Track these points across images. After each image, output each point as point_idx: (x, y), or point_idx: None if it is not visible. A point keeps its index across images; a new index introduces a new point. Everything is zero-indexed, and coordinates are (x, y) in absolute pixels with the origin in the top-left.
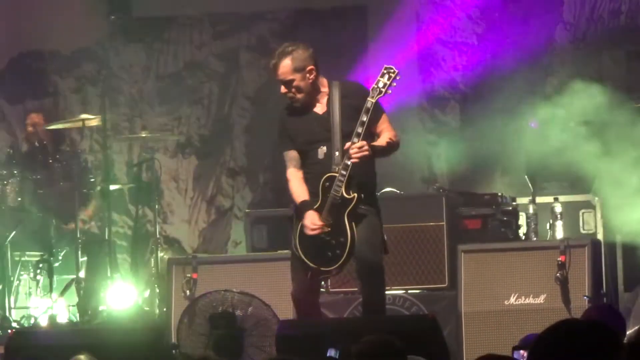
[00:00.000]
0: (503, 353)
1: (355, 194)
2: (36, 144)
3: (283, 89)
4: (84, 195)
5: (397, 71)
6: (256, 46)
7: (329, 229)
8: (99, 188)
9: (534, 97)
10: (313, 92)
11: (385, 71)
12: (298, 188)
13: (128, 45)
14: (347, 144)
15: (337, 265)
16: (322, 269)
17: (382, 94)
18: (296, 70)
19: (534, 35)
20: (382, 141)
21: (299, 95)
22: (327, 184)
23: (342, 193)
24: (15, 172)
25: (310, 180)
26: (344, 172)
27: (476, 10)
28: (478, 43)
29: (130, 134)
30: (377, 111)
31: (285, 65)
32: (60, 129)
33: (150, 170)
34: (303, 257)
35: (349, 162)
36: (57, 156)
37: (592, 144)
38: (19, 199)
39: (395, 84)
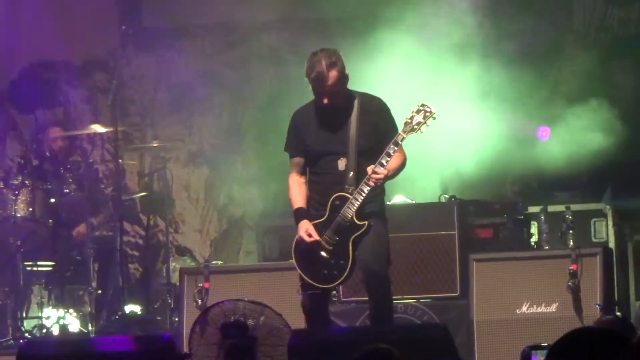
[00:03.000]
0: None
1: (366, 222)
2: (47, 154)
3: (326, 100)
4: (94, 205)
5: (434, 111)
6: (267, 56)
7: (331, 247)
8: (110, 198)
9: (544, 105)
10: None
11: (421, 108)
12: (297, 195)
13: (139, 55)
14: (369, 168)
15: (331, 286)
16: (315, 284)
17: (414, 132)
18: (341, 80)
19: (544, 43)
20: (397, 163)
21: (338, 100)
22: (337, 202)
23: (352, 218)
24: (26, 182)
25: (321, 190)
26: (358, 198)
27: (485, 19)
28: (488, 51)
29: (142, 144)
30: (393, 130)
31: (333, 76)
32: (71, 139)
33: (162, 180)
34: (297, 267)
35: (365, 189)
36: (68, 166)
37: (603, 152)
38: (30, 208)
39: (429, 124)
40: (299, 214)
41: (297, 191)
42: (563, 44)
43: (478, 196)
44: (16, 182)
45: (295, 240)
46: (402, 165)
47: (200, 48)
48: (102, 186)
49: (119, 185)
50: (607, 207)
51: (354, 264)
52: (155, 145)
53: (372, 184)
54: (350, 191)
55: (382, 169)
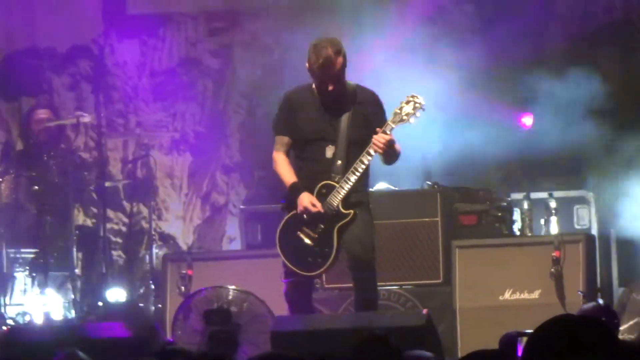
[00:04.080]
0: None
1: (352, 211)
2: (31, 141)
3: (331, 87)
4: (78, 192)
5: (423, 103)
6: (251, 43)
7: (316, 235)
8: (93, 185)
9: (528, 92)
10: None
11: (410, 99)
12: (287, 171)
13: (123, 42)
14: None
15: (314, 273)
16: (299, 271)
17: (403, 122)
18: (345, 66)
19: (529, 31)
20: (397, 147)
21: (339, 88)
22: (324, 190)
23: (338, 206)
24: (10, 169)
25: (306, 177)
26: (345, 187)
27: (469, 5)
28: (472, 37)
29: (125, 131)
30: (384, 119)
31: (340, 63)
32: (54, 126)
33: (145, 167)
34: (280, 253)
35: (352, 178)
36: (52, 153)
37: (586, 139)
38: (14, 195)
39: (419, 115)
40: (297, 188)
41: (287, 167)
42: (548, 30)
43: (461, 183)
44: None
45: (280, 227)
46: (399, 152)
47: (184, 35)
48: (86, 173)
49: (102, 172)
50: (590, 194)
51: (339, 253)
52: (138, 132)
53: (375, 148)
54: (336, 179)
55: (386, 135)
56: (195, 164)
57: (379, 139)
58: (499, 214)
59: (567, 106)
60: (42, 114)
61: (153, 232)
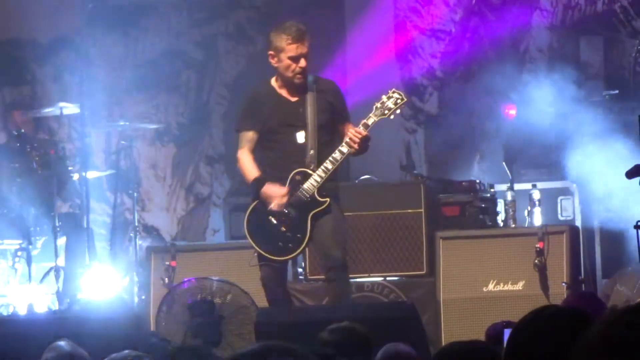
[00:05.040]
0: (482, 339)
1: (328, 199)
2: (14, 132)
3: (304, 62)
4: (61, 183)
5: (405, 99)
6: (234, 34)
7: (288, 220)
8: (76, 176)
9: (511, 84)
10: None
11: (392, 94)
12: (250, 166)
13: (106, 33)
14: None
15: (284, 258)
16: (270, 256)
17: (384, 116)
18: (310, 48)
19: (512, 22)
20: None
21: (305, 74)
22: (299, 177)
23: (314, 194)
24: None
25: (280, 162)
26: (322, 175)
27: None
28: (456, 30)
29: (108, 122)
30: (346, 111)
31: (309, 39)
32: (38, 117)
33: (129, 158)
34: (249, 237)
35: (329, 167)
36: (35, 144)
37: (570, 131)
38: None
39: (400, 111)
40: (260, 182)
41: (250, 163)
42: (529, 21)
43: (445, 175)
44: None
45: (247, 213)
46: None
47: (167, 26)
48: (69, 164)
49: (85, 163)
50: (574, 185)
51: (311, 240)
52: (121, 123)
53: (350, 142)
54: (311, 168)
55: (362, 129)
56: (178, 155)
57: (356, 135)
58: (483, 205)
59: (551, 97)
60: (20, 115)
61: (137, 224)
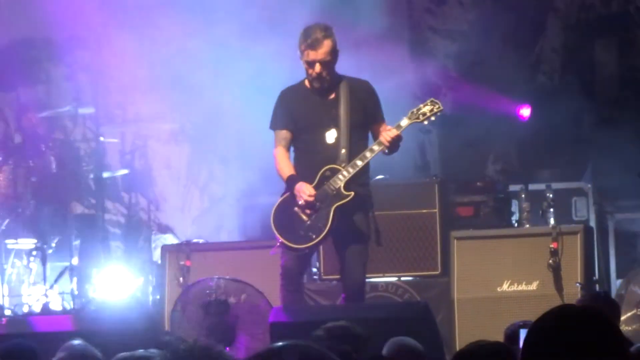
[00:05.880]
0: (496, 339)
1: (352, 193)
2: (29, 132)
3: (318, 68)
4: (76, 183)
5: (442, 108)
6: (248, 33)
7: (313, 211)
8: (92, 176)
9: (525, 84)
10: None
11: (430, 103)
12: (286, 165)
13: (120, 33)
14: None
15: (305, 246)
16: (290, 244)
17: (418, 121)
18: (334, 51)
19: (526, 22)
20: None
21: (329, 77)
22: (328, 173)
23: (340, 187)
24: (8, 160)
25: (311, 162)
26: (350, 170)
27: None
28: (470, 31)
29: (123, 122)
30: (380, 111)
31: (328, 45)
32: (53, 117)
33: (143, 158)
34: (273, 226)
35: (359, 163)
36: (50, 144)
37: (586, 131)
38: (12, 186)
39: (434, 118)
40: (295, 180)
41: (286, 163)
42: (544, 22)
43: (459, 175)
44: None
45: (276, 205)
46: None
47: (182, 26)
48: (84, 164)
49: (100, 163)
50: (588, 185)
51: (331, 231)
52: (136, 123)
53: (383, 141)
54: (342, 166)
55: (395, 131)
56: (193, 155)
57: (389, 134)
58: (497, 206)
59: (565, 98)
60: (32, 118)
61: (151, 223)
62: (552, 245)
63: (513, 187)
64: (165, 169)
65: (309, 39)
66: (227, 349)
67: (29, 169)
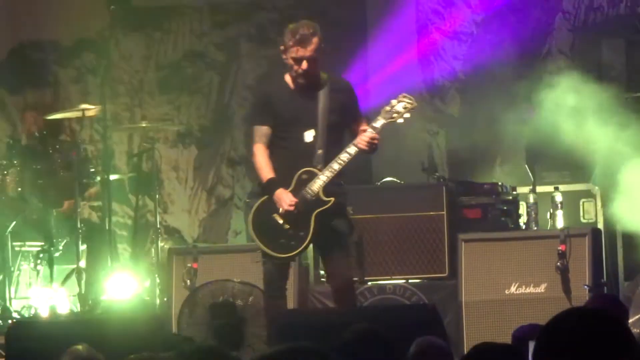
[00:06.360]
0: (504, 342)
1: (332, 199)
2: (36, 134)
3: (305, 65)
4: (84, 185)
5: (415, 104)
6: (256, 36)
7: (293, 218)
8: (99, 178)
9: (533, 86)
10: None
11: (402, 98)
12: (266, 165)
13: (128, 35)
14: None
15: (287, 255)
16: (270, 252)
17: (393, 120)
18: (320, 49)
19: (534, 24)
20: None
21: (314, 74)
22: (305, 176)
23: (319, 193)
24: (15, 162)
25: (287, 160)
26: (328, 174)
27: None
28: (478, 32)
29: (130, 124)
30: (359, 110)
31: (315, 42)
32: (60, 119)
33: (151, 160)
34: (253, 234)
35: (336, 167)
36: (57, 146)
37: (593, 133)
38: (19, 189)
39: (409, 115)
40: (274, 184)
41: (267, 162)
42: (551, 23)
43: (467, 177)
44: (5, 162)
45: (253, 210)
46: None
47: (189, 28)
48: (91, 167)
49: (107, 165)
50: (596, 187)
51: (313, 238)
52: (143, 125)
53: (361, 144)
54: (318, 168)
55: (371, 131)
56: (200, 157)
57: (366, 136)
58: (505, 208)
59: (573, 100)
60: (39, 120)
61: (158, 226)
62: (560, 248)
63: (521, 190)
64: (173, 171)
65: (297, 36)
66: (234, 351)
67: (36, 171)
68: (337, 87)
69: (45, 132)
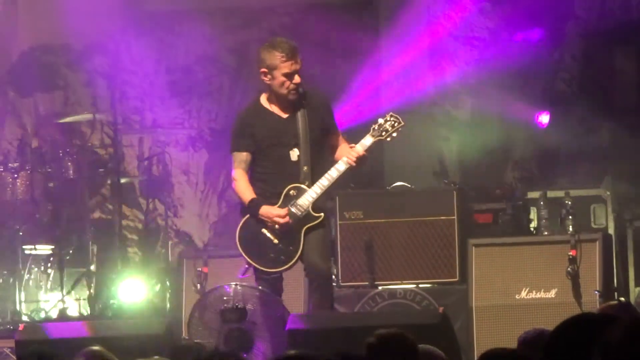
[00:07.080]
0: (514, 347)
1: (322, 215)
2: (47, 137)
3: (298, 78)
4: (94, 189)
5: (403, 123)
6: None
7: (281, 233)
8: (109, 181)
9: (544, 91)
10: None
11: (389, 118)
12: (247, 188)
13: (139, 39)
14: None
15: (277, 270)
16: (260, 267)
17: (381, 139)
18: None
19: (546, 30)
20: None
21: (301, 87)
22: (293, 192)
23: (309, 208)
24: (26, 165)
25: (272, 180)
26: (318, 190)
27: (487, 4)
28: (489, 37)
29: (141, 128)
30: (335, 124)
31: (301, 58)
32: (70, 123)
33: (161, 164)
34: (240, 249)
35: (325, 183)
36: (68, 150)
37: (604, 138)
38: (30, 192)
39: (396, 135)
40: (256, 203)
41: (247, 185)
42: (564, 29)
43: (478, 182)
44: (15, 166)
45: (240, 225)
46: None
47: (201, 32)
48: (101, 170)
49: (118, 169)
50: (607, 193)
51: (302, 253)
52: (154, 129)
53: (349, 161)
54: (306, 184)
55: (360, 149)
56: (211, 161)
57: (355, 152)
58: (516, 213)
59: (584, 105)
60: (49, 124)
61: (169, 229)
62: (570, 253)
63: (532, 194)
64: (183, 175)
65: (286, 50)
66: (245, 355)
67: (47, 175)
68: (315, 104)
69: (55, 136)
